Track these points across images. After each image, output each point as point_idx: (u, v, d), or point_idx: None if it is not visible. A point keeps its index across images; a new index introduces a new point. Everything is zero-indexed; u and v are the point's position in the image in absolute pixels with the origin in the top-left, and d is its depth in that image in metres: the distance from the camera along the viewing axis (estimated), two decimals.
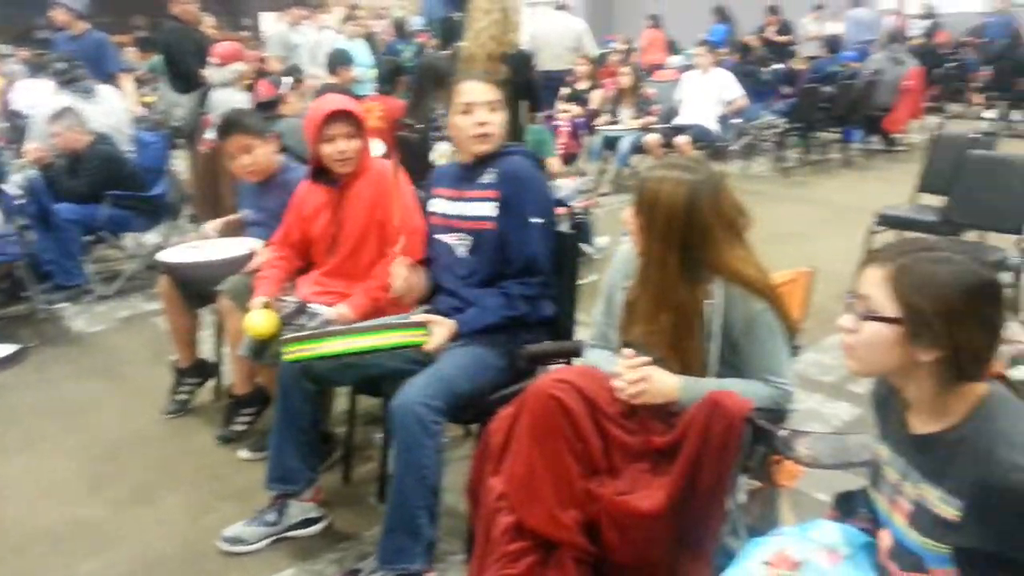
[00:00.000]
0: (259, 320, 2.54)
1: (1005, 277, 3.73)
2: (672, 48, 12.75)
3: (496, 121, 2.38)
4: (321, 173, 2.70)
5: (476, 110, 2.36)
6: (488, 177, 2.38)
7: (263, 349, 2.59)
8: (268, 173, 3.09)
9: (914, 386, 1.30)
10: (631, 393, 1.83)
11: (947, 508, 1.25)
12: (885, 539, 1.41)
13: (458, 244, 2.42)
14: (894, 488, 1.37)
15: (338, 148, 2.59)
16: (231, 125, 3.04)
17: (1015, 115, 10.43)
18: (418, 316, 2.31)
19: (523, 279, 2.32)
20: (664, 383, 1.84)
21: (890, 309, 1.26)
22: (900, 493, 1.36)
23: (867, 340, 1.29)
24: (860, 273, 1.34)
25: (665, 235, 1.83)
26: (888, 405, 1.44)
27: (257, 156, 3.02)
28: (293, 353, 2.22)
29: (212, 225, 3.34)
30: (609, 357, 2.01)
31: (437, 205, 2.51)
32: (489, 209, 2.36)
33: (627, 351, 1.89)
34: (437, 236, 2.48)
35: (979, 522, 1.21)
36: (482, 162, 2.41)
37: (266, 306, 2.56)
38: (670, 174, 1.86)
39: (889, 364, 1.30)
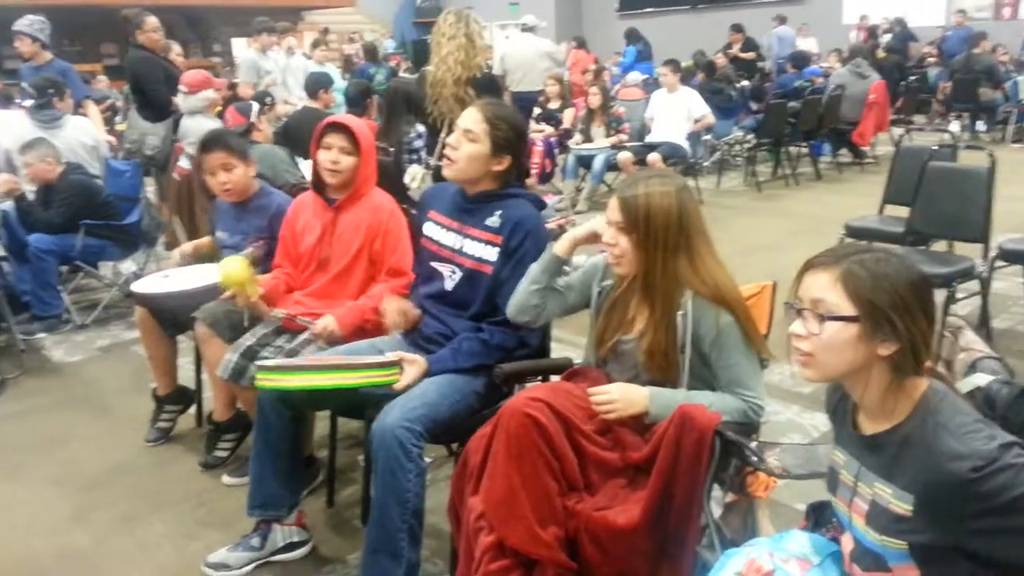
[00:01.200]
0: (230, 266, 2.64)
1: (972, 286, 3.81)
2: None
3: (463, 150, 2.29)
4: (322, 187, 2.76)
5: (456, 134, 2.34)
6: (493, 220, 2.32)
7: (243, 371, 2.61)
8: (245, 195, 3.11)
9: (868, 386, 1.35)
10: (603, 410, 1.89)
11: (900, 504, 1.30)
12: (847, 543, 1.46)
13: (448, 275, 2.40)
14: (851, 490, 1.42)
15: (331, 157, 2.66)
16: (214, 141, 3.05)
17: (980, 125, 10.67)
18: (391, 355, 2.28)
19: (506, 328, 2.29)
20: (633, 395, 1.89)
21: (847, 308, 1.31)
22: (857, 494, 1.41)
23: (827, 342, 1.32)
24: (799, 280, 1.39)
25: (664, 243, 1.87)
26: (840, 411, 1.50)
27: (235, 175, 3.03)
28: (263, 381, 2.18)
29: (180, 252, 3.37)
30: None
31: (432, 231, 2.47)
32: (491, 253, 2.31)
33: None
34: (430, 262, 2.46)
35: (928, 514, 1.26)
36: (487, 198, 2.36)
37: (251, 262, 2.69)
38: (652, 187, 1.89)
39: (850, 364, 1.33)
